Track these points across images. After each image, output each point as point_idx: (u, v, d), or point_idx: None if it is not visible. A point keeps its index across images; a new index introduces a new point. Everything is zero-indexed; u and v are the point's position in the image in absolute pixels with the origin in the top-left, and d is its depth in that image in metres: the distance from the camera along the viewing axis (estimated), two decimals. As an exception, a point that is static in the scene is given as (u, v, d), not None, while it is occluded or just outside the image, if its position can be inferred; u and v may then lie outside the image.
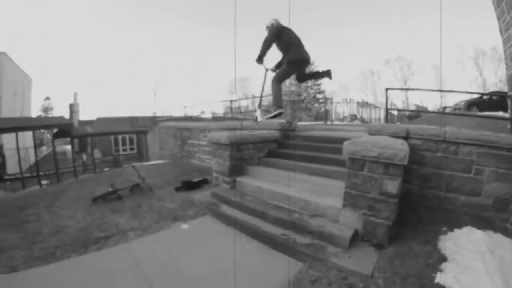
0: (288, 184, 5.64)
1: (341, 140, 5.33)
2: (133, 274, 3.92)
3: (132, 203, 6.74)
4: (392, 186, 4.06)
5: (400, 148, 4.03)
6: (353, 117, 20.69)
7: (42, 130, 30.36)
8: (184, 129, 12.78)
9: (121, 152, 28.16)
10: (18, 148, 15.26)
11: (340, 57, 76.70)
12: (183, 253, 4.51)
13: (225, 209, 5.73)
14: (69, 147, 28.47)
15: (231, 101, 20.63)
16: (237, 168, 6.73)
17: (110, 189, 7.36)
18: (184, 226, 5.37)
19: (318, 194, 5.16)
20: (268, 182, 6.07)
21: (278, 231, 4.63)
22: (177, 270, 4.07)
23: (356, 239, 4.17)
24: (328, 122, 15.78)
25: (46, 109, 50.48)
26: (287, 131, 7.98)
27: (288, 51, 5.93)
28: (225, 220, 5.42)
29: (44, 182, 15.26)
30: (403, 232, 4.36)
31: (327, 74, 6.38)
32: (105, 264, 4.35)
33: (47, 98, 50.71)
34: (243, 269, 3.90)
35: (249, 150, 6.97)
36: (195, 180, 7.82)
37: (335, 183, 5.23)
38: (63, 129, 17.89)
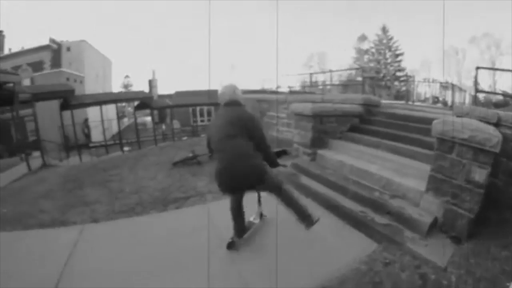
0: (370, 161, 5.49)
1: (426, 120, 5.01)
2: (209, 232, 4.08)
3: (211, 169, 7.05)
4: (480, 174, 3.64)
5: (492, 134, 3.57)
6: (435, 99, 19.07)
7: (123, 104, 32.79)
8: (263, 101, 12.84)
9: (199, 123, 29.39)
10: (102, 120, 16.73)
11: (421, 29, 69.73)
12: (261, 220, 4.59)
13: (305, 180, 5.72)
14: (149, 118, 31.11)
15: (311, 74, 20.12)
16: (319, 141, 6.67)
17: (190, 155, 7.72)
18: (263, 193, 5.58)
19: (400, 174, 4.91)
20: (349, 157, 5.94)
21: (357, 208, 4.53)
22: (254, 234, 4.21)
23: (434, 227, 3.92)
24: (410, 103, 14.81)
25: (126, 86, 54.06)
26: (370, 106, 7.67)
27: None
28: (304, 191, 5.38)
29: (125, 148, 16.77)
30: (481, 230, 3.93)
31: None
32: (183, 221, 4.71)
33: (127, 76, 54.52)
34: (317, 242, 3.92)
35: (332, 123, 6.84)
36: (275, 150, 7.95)
37: (418, 164, 4.91)
38: (144, 101, 19.13)
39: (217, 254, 3.75)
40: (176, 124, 26.27)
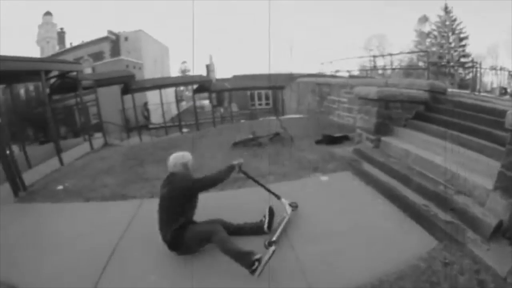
0: (436, 152, 5.08)
1: (497, 112, 4.66)
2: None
3: (272, 151, 6.99)
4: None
5: None
6: (502, 91, 16.92)
7: (182, 88, 33.76)
8: (323, 84, 12.45)
9: (256, 106, 29.40)
10: (161, 103, 17.04)
11: (488, 9, 62.54)
12: (321, 203, 4.51)
13: (367, 167, 5.50)
14: (207, 101, 31.74)
15: (374, 56, 19.11)
16: (383, 127, 6.32)
17: (251, 136, 7.67)
18: (324, 178, 5.32)
19: (467, 169, 4.45)
20: (414, 146, 5.56)
21: (420, 201, 4.24)
22: (312, 218, 4.11)
23: (498, 231, 3.47)
24: (476, 93, 13.42)
25: (183, 71, 55.33)
26: (436, 93, 7.08)
27: None
28: (365, 178, 5.20)
29: (184, 130, 17.15)
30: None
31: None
32: (243, 199, 4.76)
33: (184, 62, 55.58)
34: (378, 232, 3.77)
35: (397, 109, 6.44)
36: (336, 135, 7.64)
37: (486, 160, 4.44)
38: (203, 85, 19.29)
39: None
40: (234, 107, 26.52)
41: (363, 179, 5.19)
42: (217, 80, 29.98)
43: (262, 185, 4.34)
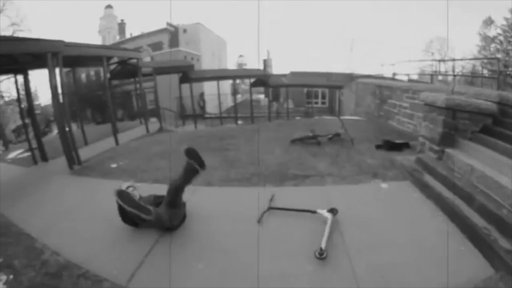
0: (503, 171, 4.71)
1: None
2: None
3: (332, 151, 6.88)
4: None
5: None
6: None
7: (237, 81, 34.18)
8: (384, 87, 12.06)
9: (312, 105, 28.87)
10: (219, 94, 17.34)
11: None
12: (378, 211, 4.41)
13: (429, 179, 5.32)
14: (262, 96, 32.34)
15: (438, 61, 18.02)
16: (449, 138, 6.03)
17: (310, 134, 7.61)
18: (383, 185, 5.24)
19: None
20: (480, 162, 5.23)
21: (480, 222, 4.01)
22: (369, 226, 4.01)
23: None
24: None
25: (240, 65, 56.02)
26: (505, 106, 6.59)
27: None
28: (426, 191, 5.04)
29: (239, 122, 17.51)
30: None
31: None
32: (300, 199, 4.64)
33: (241, 56, 56.21)
34: (433, 251, 3.66)
35: (465, 120, 6.10)
36: (397, 141, 7.44)
37: None
38: (260, 79, 19.27)
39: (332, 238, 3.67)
40: (290, 104, 26.33)
41: (424, 192, 5.03)
42: (274, 75, 29.98)
43: (293, 209, 4.30)
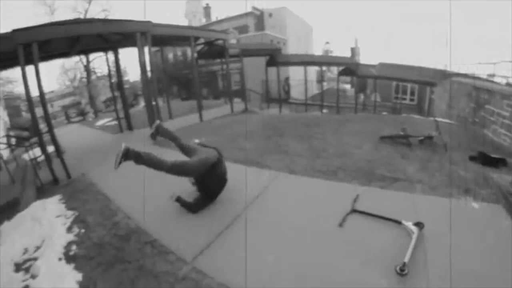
0: None
1: None
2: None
3: (423, 155, 6.16)
4: None
5: None
6: None
7: (323, 68, 33.69)
8: (482, 90, 10.51)
9: (399, 101, 27.26)
10: (305, 80, 17.09)
11: None
12: (468, 237, 3.64)
13: None
14: (348, 86, 31.45)
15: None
16: None
17: (401, 133, 6.95)
18: (474, 205, 4.42)
19: None
20: None
21: None
22: (458, 252, 3.25)
23: None
24: None
25: (326, 52, 54.89)
26: None
27: None
28: None
29: (324, 110, 16.77)
30: None
31: None
32: (385, 204, 4.07)
33: (327, 42, 54.89)
34: None
35: None
36: (493, 155, 6.40)
37: None
38: (349, 68, 18.60)
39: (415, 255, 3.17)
40: (376, 97, 25.12)
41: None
42: (363, 65, 28.88)
43: (377, 216, 3.80)
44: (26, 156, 7.88)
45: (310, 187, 4.66)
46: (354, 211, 3.89)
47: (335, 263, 3.06)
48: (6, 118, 19.16)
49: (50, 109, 33.57)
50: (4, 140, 10.38)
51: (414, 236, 3.36)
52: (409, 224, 3.53)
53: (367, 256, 3.16)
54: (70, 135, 15.48)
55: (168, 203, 4.37)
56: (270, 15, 33.98)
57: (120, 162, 3.94)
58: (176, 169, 4.10)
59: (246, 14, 32.76)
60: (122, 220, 4.44)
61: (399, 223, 3.56)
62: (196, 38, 12.76)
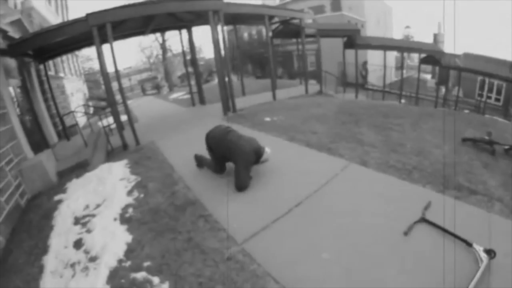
0: None
1: None
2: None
3: (507, 168, 5.25)
4: None
5: None
6: None
7: (404, 55, 32.27)
8: None
9: (483, 99, 24.60)
10: (385, 65, 16.13)
11: None
12: None
13: None
14: (428, 76, 29.22)
15: None
16: None
17: (486, 138, 6.05)
18: None
19: None
20: None
21: None
22: None
23: None
24: None
25: (406, 37, 51.58)
26: None
27: None
28: None
29: (402, 100, 15.92)
30: None
31: None
32: (457, 217, 3.33)
33: (407, 27, 51.36)
34: None
35: None
36: None
37: None
38: (432, 56, 16.96)
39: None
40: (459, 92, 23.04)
41: None
42: (448, 54, 26.75)
43: (447, 231, 3.23)
44: (100, 124, 8.30)
45: (380, 184, 4.22)
46: (423, 219, 3.41)
47: (392, 275, 2.71)
48: (86, 90, 20.95)
49: (128, 83, 36.67)
50: (82, 109, 11.17)
51: (482, 264, 2.87)
52: (480, 250, 3.00)
53: (426, 276, 2.73)
54: (144, 106, 16.38)
55: (231, 179, 4.26)
56: (347, -6, 32.66)
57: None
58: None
59: (323, -7, 31.86)
60: (181, 190, 4.43)
61: (470, 245, 3.04)
62: (271, 17, 12.55)
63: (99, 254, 3.25)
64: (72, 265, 3.22)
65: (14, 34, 7.16)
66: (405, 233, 3.15)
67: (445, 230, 3.18)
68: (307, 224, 3.31)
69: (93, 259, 3.21)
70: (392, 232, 3.15)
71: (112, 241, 3.40)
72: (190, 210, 3.83)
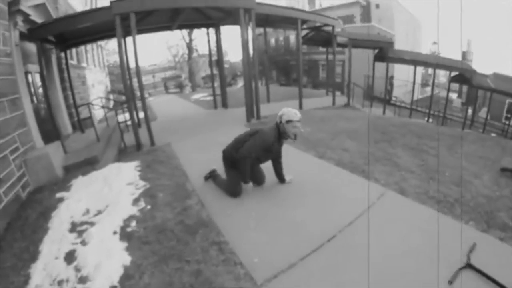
0: None
1: None
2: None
3: None
4: None
5: None
6: None
7: (430, 71, 31.63)
8: None
9: (510, 122, 23.56)
10: (414, 81, 15.41)
11: None
12: None
13: None
14: (455, 95, 28.22)
15: None
16: None
17: None
18: None
19: None
20: None
21: None
22: None
23: None
24: None
25: (432, 53, 50.79)
26: None
27: None
28: None
29: (430, 120, 15.15)
30: None
31: None
32: (500, 261, 2.92)
33: (434, 43, 50.45)
34: None
35: None
36: None
37: None
38: (463, 74, 16.06)
39: None
40: (484, 113, 22.02)
41: None
42: (479, 74, 26.01)
43: (493, 280, 2.68)
44: (118, 119, 7.90)
45: (420, 218, 3.59)
46: (468, 265, 2.78)
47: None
48: (108, 83, 20.87)
49: (152, 80, 37.33)
50: (99, 101, 10.85)
51: None
52: None
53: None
54: (165, 104, 16.07)
55: (253, 202, 3.79)
56: (377, 6, 31.71)
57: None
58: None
59: (352, 4, 31.21)
60: (194, 206, 3.86)
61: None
62: (303, 22, 12.01)
63: (91, 276, 2.75)
64: (60, 283, 2.74)
65: (36, 18, 6.76)
66: (450, 282, 2.57)
67: (493, 281, 2.60)
68: (340, 265, 2.74)
69: (83, 280, 2.71)
70: (436, 279, 2.58)
71: (107, 261, 2.89)
72: (202, 233, 3.25)
